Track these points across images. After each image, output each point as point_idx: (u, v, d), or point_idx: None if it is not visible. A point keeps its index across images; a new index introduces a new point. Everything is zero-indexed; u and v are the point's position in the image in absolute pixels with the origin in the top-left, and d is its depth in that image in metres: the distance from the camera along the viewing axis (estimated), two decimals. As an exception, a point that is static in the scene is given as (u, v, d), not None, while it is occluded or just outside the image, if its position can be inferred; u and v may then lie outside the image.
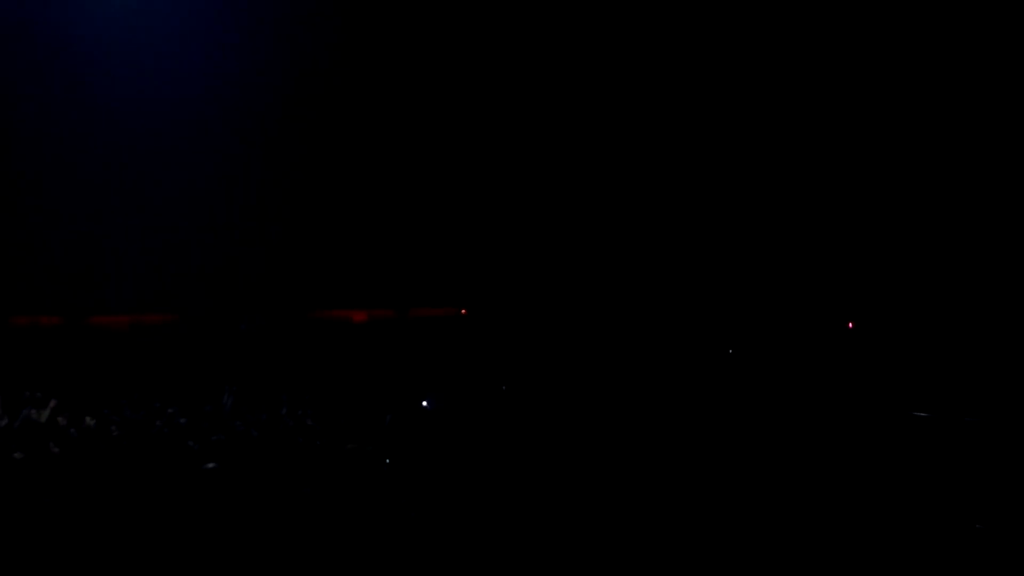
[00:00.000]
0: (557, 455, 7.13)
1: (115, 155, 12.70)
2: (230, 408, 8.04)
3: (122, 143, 12.75)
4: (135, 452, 6.43)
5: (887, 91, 11.26)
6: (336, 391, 9.73)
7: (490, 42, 12.59)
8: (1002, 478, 6.48)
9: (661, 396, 10.04)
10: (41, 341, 12.09)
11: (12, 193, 12.48)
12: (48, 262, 12.49)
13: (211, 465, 6.09)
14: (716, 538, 5.37)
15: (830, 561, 5.12)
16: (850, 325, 11.17)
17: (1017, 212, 10.33)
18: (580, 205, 12.42)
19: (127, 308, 12.60)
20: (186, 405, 8.17)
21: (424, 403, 9.02)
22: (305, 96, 12.95)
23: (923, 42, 11.01)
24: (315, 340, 12.30)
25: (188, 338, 12.37)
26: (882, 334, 10.86)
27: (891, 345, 10.61)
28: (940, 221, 10.97)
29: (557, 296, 12.24)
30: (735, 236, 12.09)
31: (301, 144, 12.94)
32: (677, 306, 12.06)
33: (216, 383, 9.38)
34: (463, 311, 12.57)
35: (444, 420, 8.42)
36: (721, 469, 6.84)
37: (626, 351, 11.60)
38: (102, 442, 6.89)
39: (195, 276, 12.70)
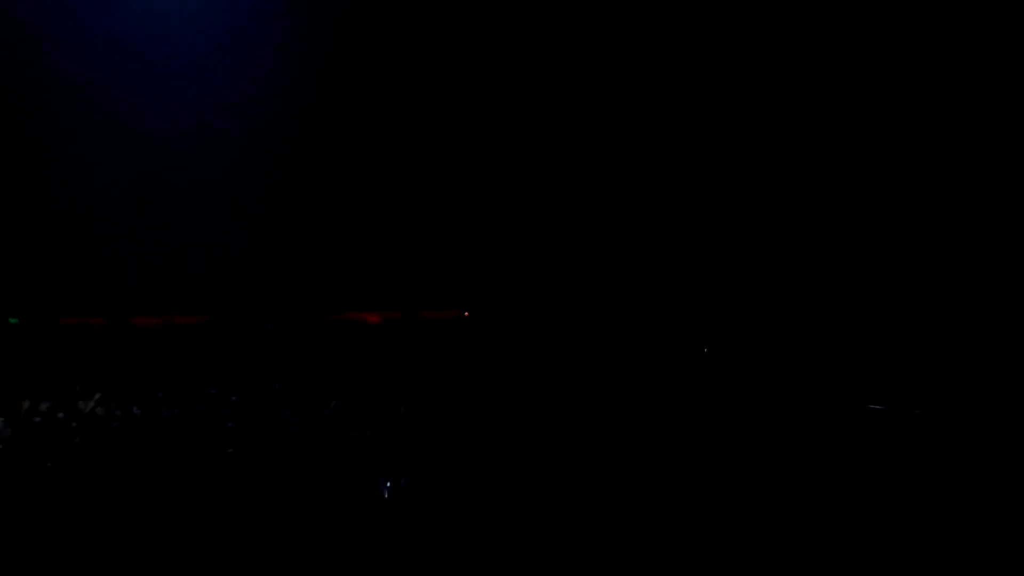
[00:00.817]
0: (553, 451, 7.31)
1: (151, 167, 13.38)
2: (275, 401, 8.67)
3: (157, 154, 13.40)
4: (179, 438, 7.18)
5: (855, 93, 11.54)
6: (356, 386, 10.19)
7: (498, 54, 13.02)
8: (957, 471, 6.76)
9: (659, 396, 10.21)
10: (88, 340, 12.83)
11: (62, 205, 13.27)
12: (93, 266, 13.24)
13: (230, 451, 6.76)
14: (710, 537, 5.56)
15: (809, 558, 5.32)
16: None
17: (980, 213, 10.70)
18: (581, 214, 12.95)
19: (162, 310, 13.31)
20: (224, 398, 8.84)
21: (434, 398, 9.48)
22: (327, 107, 13.49)
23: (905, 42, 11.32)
24: (335, 339, 12.97)
25: (220, 337, 13.06)
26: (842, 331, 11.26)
27: (849, 342, 11.03)
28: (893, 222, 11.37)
29: (556, 300, 12.80)
30: (734, 238, 12.48)
31: (321, 154, 13.53)
32: (678, 309, 12.47)
33: (248, 379, 10.01)
34: (466, 313, 13.16)
35: (451, 413, 8.83)
36: (719, 468, 7.00)
37: (625, 352, 12.06)
38: (149, 429, 7.51)
39: (223, 280, 13.39)
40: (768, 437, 8.14)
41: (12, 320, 13.09)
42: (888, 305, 11.23)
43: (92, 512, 5.82)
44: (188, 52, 13.22)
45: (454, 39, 13.09)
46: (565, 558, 5.31)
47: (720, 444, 7.82)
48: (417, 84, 13.28)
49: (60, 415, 8.09)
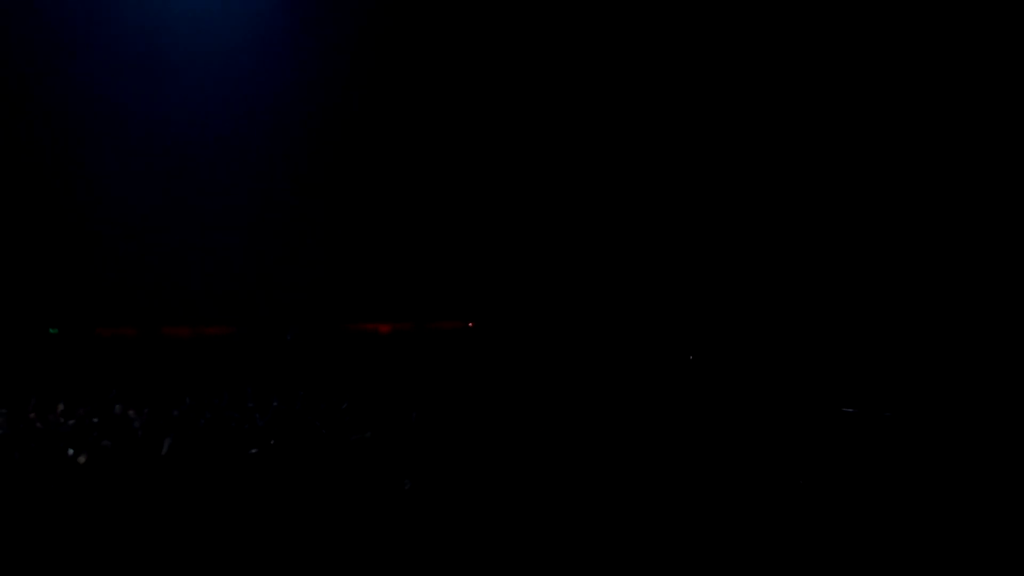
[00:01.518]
0: (555, 456, 7.41)
1: (180, 189, 14.04)
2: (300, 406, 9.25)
3: (185, 176, 14.06)
4: (216, 439, 7.59)
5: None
6: (368, 390, 10.65)
7: (513, 70, 13.32)
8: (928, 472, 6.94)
9: (660, 402, 10.36)
10: (121, 348, 13.51)
11: (98, 223, 13.95)
12: (126, 280, 13.87)
13: (253, 451, 7.22)
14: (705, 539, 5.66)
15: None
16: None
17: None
18: (579, 232, 13.33)
19: (190, 321, 13.96)
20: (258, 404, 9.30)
21: (441, 403, 9.87)
22: (347, 132, 13.96)
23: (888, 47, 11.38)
24: (349, 347, 13.54)
25: (244, 345, 13.68)
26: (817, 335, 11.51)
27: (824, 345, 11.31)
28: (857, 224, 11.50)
29: (554, 312, 13.23)
30: (738, 244, 12.69)
31: (336, 179, 14.07)
32: (673, 319, 12.73)
33: (272, 385, 10.52)
34: (470, 324, 13.67)
35: (456, 419, 9.12)
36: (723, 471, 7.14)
37: (620, 360, 12.36)
38: (179, 431, 7.94)
39: (247, 293, 13.97)
40: (755, 441, 8.35)
41: (52, 331, 13.82)
42: (858, 311, 11.42)
43: (117, 508, 6.08)
44: (217, 72, 13.73)
45: (471, 60, 13.44)
46: (564, 558, 5.40)
47: (714, 447, 7.97)
48: (434, 111, 13.71)
49: (95, 420, 8.54)
